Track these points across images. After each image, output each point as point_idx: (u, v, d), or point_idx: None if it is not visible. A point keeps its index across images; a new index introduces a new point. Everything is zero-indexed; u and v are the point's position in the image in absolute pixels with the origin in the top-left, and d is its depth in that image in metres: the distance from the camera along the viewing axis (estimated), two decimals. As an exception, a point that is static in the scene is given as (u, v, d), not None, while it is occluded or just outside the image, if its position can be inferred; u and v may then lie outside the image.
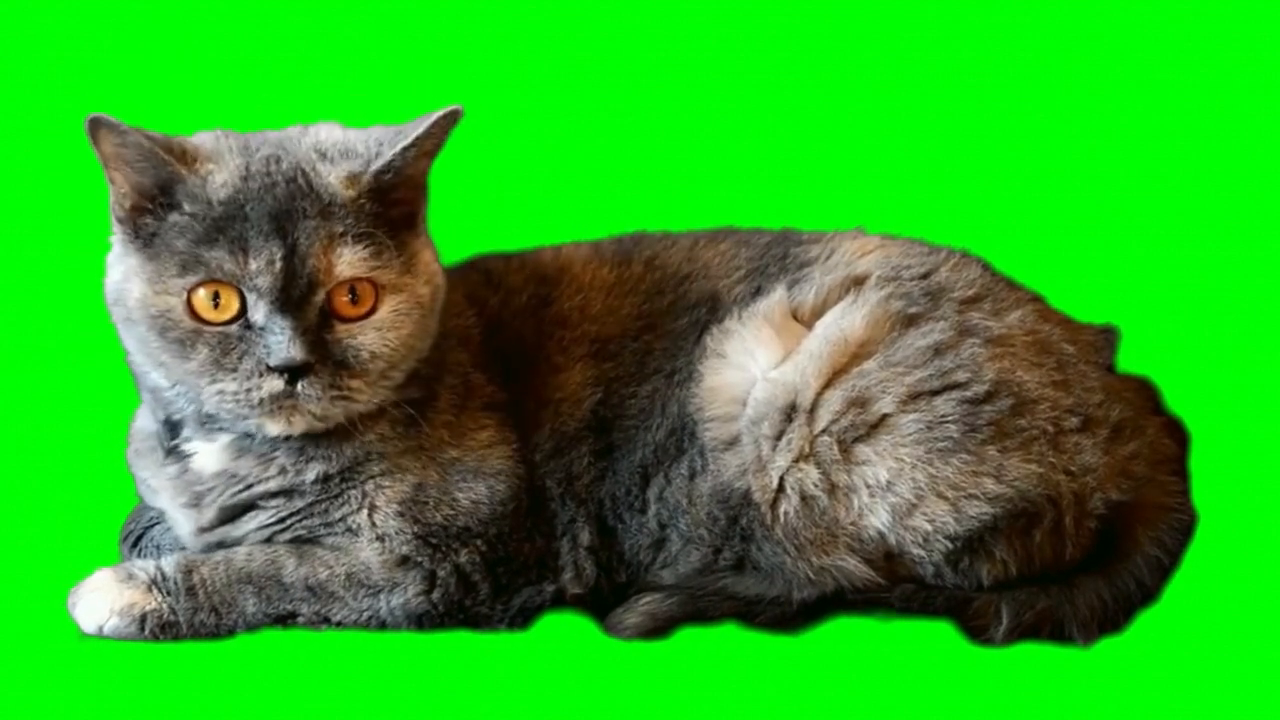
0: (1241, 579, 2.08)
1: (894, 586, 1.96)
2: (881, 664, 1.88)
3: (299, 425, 1.88)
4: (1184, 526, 2.02)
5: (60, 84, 2.70)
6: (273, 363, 1.83)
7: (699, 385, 2.01)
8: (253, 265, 1.83)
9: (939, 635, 1.93)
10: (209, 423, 1.94)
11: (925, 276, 2.03)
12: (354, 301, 1.87)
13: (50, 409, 2.54)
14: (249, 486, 1.95)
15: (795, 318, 2.02)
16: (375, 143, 1.91)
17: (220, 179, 1.86)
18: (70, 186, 2.65)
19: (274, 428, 1.89)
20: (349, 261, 1.86)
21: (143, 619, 1.91)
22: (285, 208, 1.85)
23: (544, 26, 2.78)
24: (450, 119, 1.89)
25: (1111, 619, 1.96)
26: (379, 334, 1.88)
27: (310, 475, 1.93)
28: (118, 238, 1.91)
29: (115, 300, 1.90)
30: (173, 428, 1.97)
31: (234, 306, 1.84)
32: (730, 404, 1.99)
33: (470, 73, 2.74)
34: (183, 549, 2.02)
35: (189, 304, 1.84)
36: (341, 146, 1.91)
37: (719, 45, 2.79)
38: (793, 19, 2.80)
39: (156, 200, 1.87)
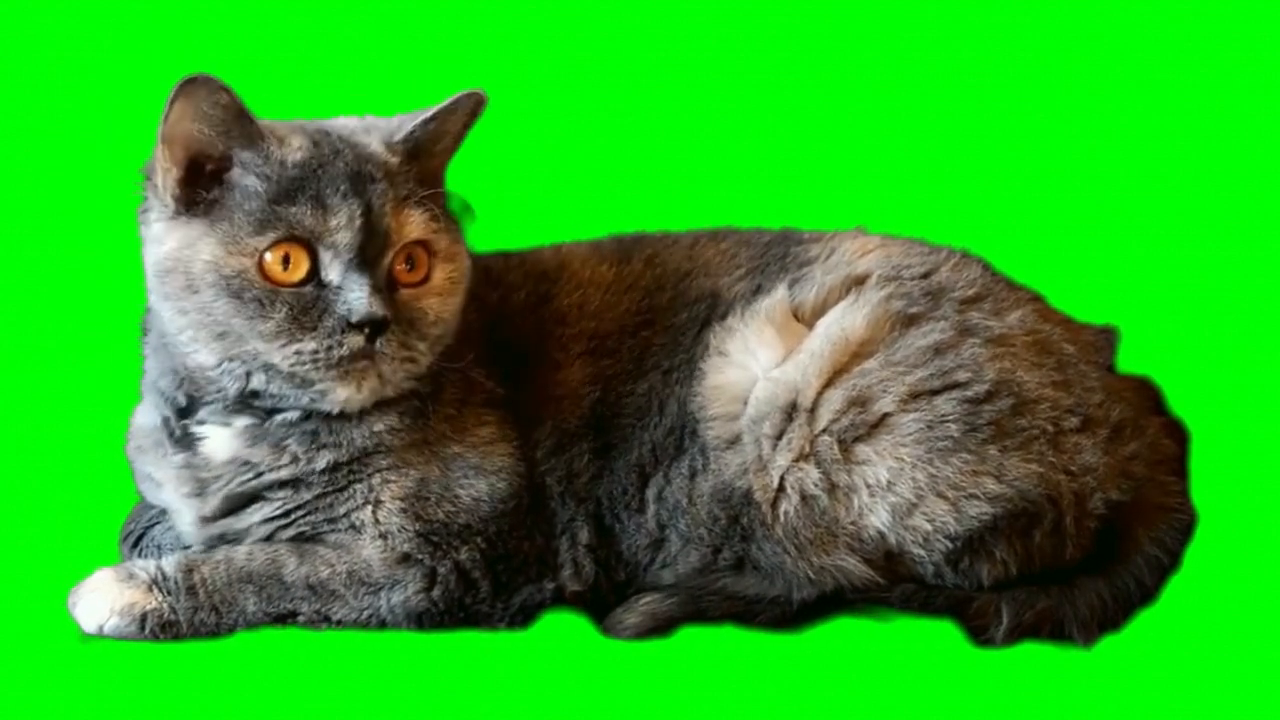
0: (1241, 579, 2.08)
1: (894, 586, 1.96)
2: (881, 664, 1.88)
3: (367, 388, 1.90)
4: (1184, 526, 2.02)
5: (59, 84, 2.70)
6: (355, 318, 1.85)
7: (700, 384, 2.01)
8: (333, 221, 1.86)
9: (939, 635, 1.93)
10: (244, 402, 1.93)
11: (926, 276, 2.03)
12: (411, 268, 1.91)
13: (50, 409, 2.54)
14: (259, 475, 1.94)
15: (796, 317, 2.02)
16: (398, 120, 1.97)
17: (295, 143, 1.89)
18: (70, 186, 2.66)
19: (344, 391, 1.89)
20: (416, 223, 1.91)
21: (143, 618, 1.91)
22: (357, 169, 1.89)
23: (544, 27, 2.79)
24: (470, 99, 1.94)
25: (1111, 619, 1.96)
26: (439, 299, 1.93)
27: (320, 464, 1.93)
28: (164, 211, 1.90)
29: (171, 269, 1.89)
30: (183, 414, 1.97)
31: (304, 267, 1.87)
32: (732, 403, 1.99)
33: (470, 72, 2.74)
34: (184, 548, 2.02)
35: (260, 266, 1.86)
36: (366, 125, 1.97)
37: (719, 45, 2.80)
38: (793, 19, 2.80)
39: (210, 169, 1.89)
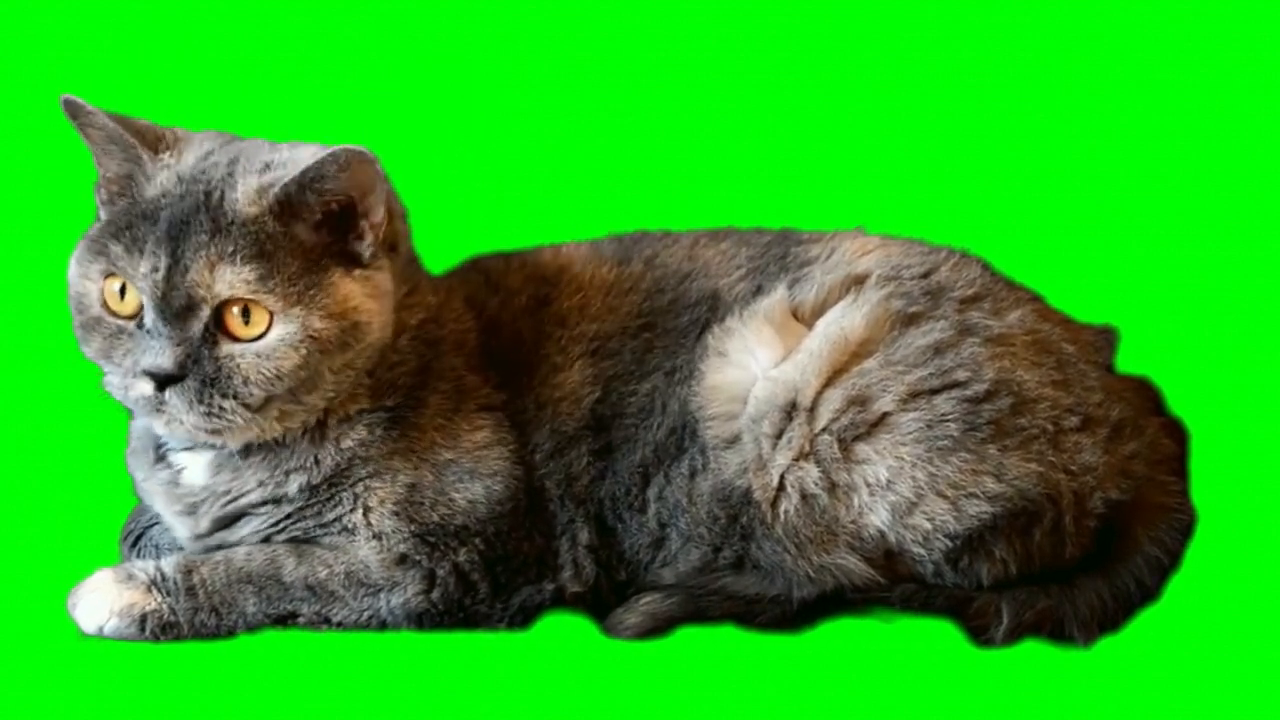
0: (1241, 579, 2.07)
1: (894, 586, 1.96)
2: (882, 664, 1.87)
3: (176, 431, 1.91)
4: (1183, 526, 2.02)
5: (59, 83, 2.70)
6: (140, 367, 1.85)
7: (700, 383, 2.01)
8: (141, 267, 1.85)
9: (939, 634, 1.93)
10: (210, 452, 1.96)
11: (925, 276, 2.03)
12: (246, 322, 1.86)
13: (51, 409, 2.53)
14: (235, 499, 1.95)
15: (796, 317, 2.02)
16: (289, 164, 1.88)
17: (161, 177, 1.89)
18: (70, 187, 2.65)
19: (157, 427, 1.92)
20: (229, 282, 1.84)
21: (143, 619, 1.91)
22: (184, 219, 1.85)
23: (544, 26, 2.78)
24: (338, 158, 1.83)
25: (1111, 618, 1.96)
26: (257, 360, 1.86)
27: (292, 487, 1.94)
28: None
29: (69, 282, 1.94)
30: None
31: (135, 304, 1.87)
32: (731, 402, 1.99)
33: (470, 73, 2.74)
34: (181, 549, 2.02)
35: (101, 292, 1.88)
36: (280, 161, 1.90)
37: (719, 45, 2.80)
38: (792, 19, 2.80)
39: (123, 189, 1.90)
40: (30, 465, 2.44)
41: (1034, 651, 1.91)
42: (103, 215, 1.92)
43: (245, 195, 1.86)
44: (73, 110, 1.88)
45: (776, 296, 2.03)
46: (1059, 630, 1.94)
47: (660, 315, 2.05)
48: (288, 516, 1.95)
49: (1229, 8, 2.71)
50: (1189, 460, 2.07)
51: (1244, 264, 2.64)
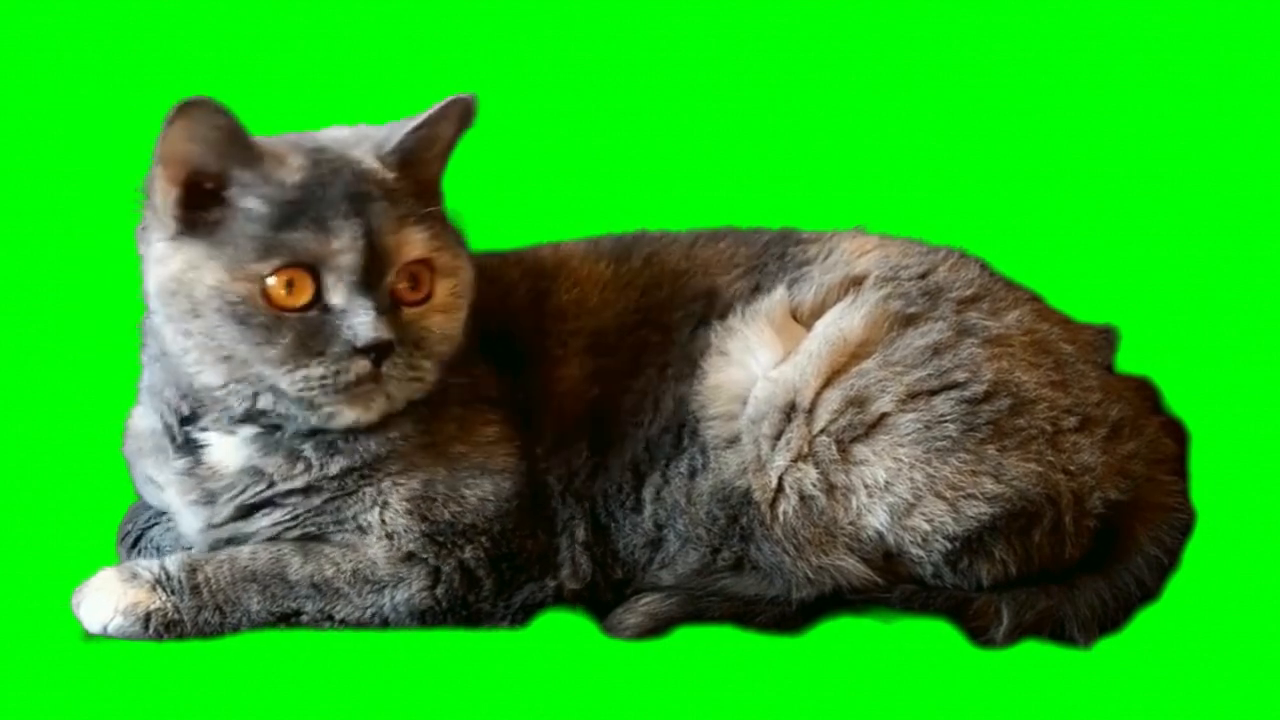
0: (1241, 579, 2.07)
1: (894, 586, 1.96)
2: (882, 664, 1.87)
3: (376, 409, 1.89)
4: (1183, 526, 2.02)
5: (60, 87, 2.71)
6: (360, 343, 1.84)
7: (702, 382, 2.01)
8: (335, 244, 1.84)
9: (939, 635, 1.93)
10: (251, 419, 1.93)
11: (923, 276, 2.03)
12: (413, 287, 1.90)
13: (53, 409, 2.54)
14: (271, 484, 1.94)
15: (795, 317, 2.02)
16: (387, 129, 1.94)
17: (294, 163, 1.87)
18: (70, 187, 2.67)
19: (351, 414, 1.89)
20: (417, 241, 1.89)
21: (147, 618, 1.91)
22: (357, 189, 1.86)
23: (544, 26, 2.78)
24: (457, 104, 1.92)
25: (1112, 618, 1.96)
26: (443, 316, 1.91)
27: (334, 469, 1.93)
28: (165, 231, 1.88)
29: (175, 291, 1.87)
30: (185, 421, 1.96)
31: (309, 291, 1.85)
32: (732, 402, 1.99)
33: (470, 74, 2.74)
34: (183, 549, 2.02)
35: (264, 291, 1.84)
36: (357, 135, 1.95)
37: (719, 46, 2.80)
38: (792, 19, 2.80)
39: (209, 189, 1.87)
40: (34, 464, 2.44)
41: (1034, 652, 1.91)
42: (200, 222, 1.86)
43: (374, 163, 1.90)
44: (200, 110, 1.82)
45: (777, 297, 2.03)
46: (1059, 631, 1.94)
47: (656, 311, 2.06)
48: (310, 510, 1.94)
49: (1229, 8, 2.71)
50: (1189, 460, 2.07)
51: (1244, 264, 2.64)
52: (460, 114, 1.93)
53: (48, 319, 2.63)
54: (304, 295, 1.85)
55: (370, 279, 1.85)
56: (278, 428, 1.93)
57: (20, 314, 2.63)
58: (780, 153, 2.75)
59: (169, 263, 1.87)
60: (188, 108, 1.82)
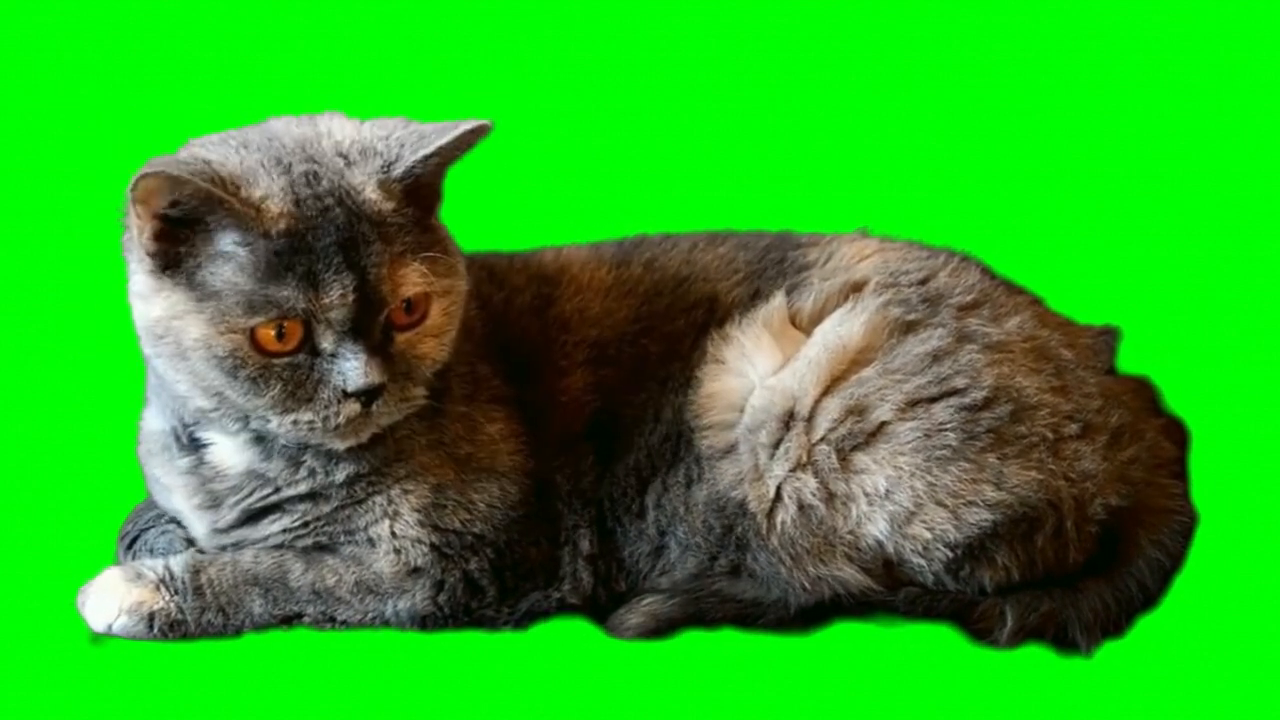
0: (1243, 579, 2.07)
1: (898, 590, 1.95)
2: (885, 666, 1.88)
3: (366, 435, 1.87)
4: (1185, 529, 2.01)
5: (60, 87, 2.71)
6: (350, 389, 1.81)
7: (696, 391, 2.00)
8: (325, 300, 1.78)
9: (943, 638, 1.93)
10: (248, 433, 1.91)
11: (924, 282, 2.02)
12: (409, 311, 1.85)
13: (56, 409, 2.54)
14: (276, 489, 1.93)
15: (794, 323, 2.01)
16: (396, 144, 1.86)
17: (274, 209, 1.79)
18: (70, 187, 2.67)
19: (343, 444, 1.87)
20: (413, 281, 1.83)
21: (151, 618, 1.91)
22: (349, 235, 1.79)
23: (545, 29, 2.78)
24: (479, 133, 1.85)
25: (1114, 622, 1.95)
26: (435, 340, 1.88)
27: (339, 476, 1.92)
28: (143, 268, 1.83)
29: (161, 336, 1.82)
30: (187, 424, 1.95)
31: (298, 335, 1.80)
32: (728, 410, 1.98)
33: (471, 74, 2.74)
34: (178, 551, 2.01)
35: (253, 338, 1.80)
36: (360, 146, 1.86)
37: (719, 47, 2.79)
38: (792, 20, 2.80)
39: (187, 228, 1.80)
40: (38, 464, 2.43)
41: (1038, 655, 1.91)
42: (178, 263, 1.80)
43: (374, 193, 1.82)
44: (162, 183, 1.75)
45: (775, 303, 2.02)
46: (1062, 634, 1.93)
47: (658, 319, 2.05)
48: (319, 518, 1.93)
49: (1229, 8, 2.71)
50: (1189, 461, 2.07)
51: (1244, 264, 2.64)
52: (475, 140, 1.86)
53: (58, 320, 2.64)
54: (294, 340, 1.80)
55: (361, 325, 1.80)
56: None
57: (31, 316, 2.64)
58: (780, 154, 2.75)
59: (152, 304, 1.83)
60: (145, 181, 1.75)
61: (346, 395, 1.81)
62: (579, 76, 2.77)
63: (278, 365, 1.81)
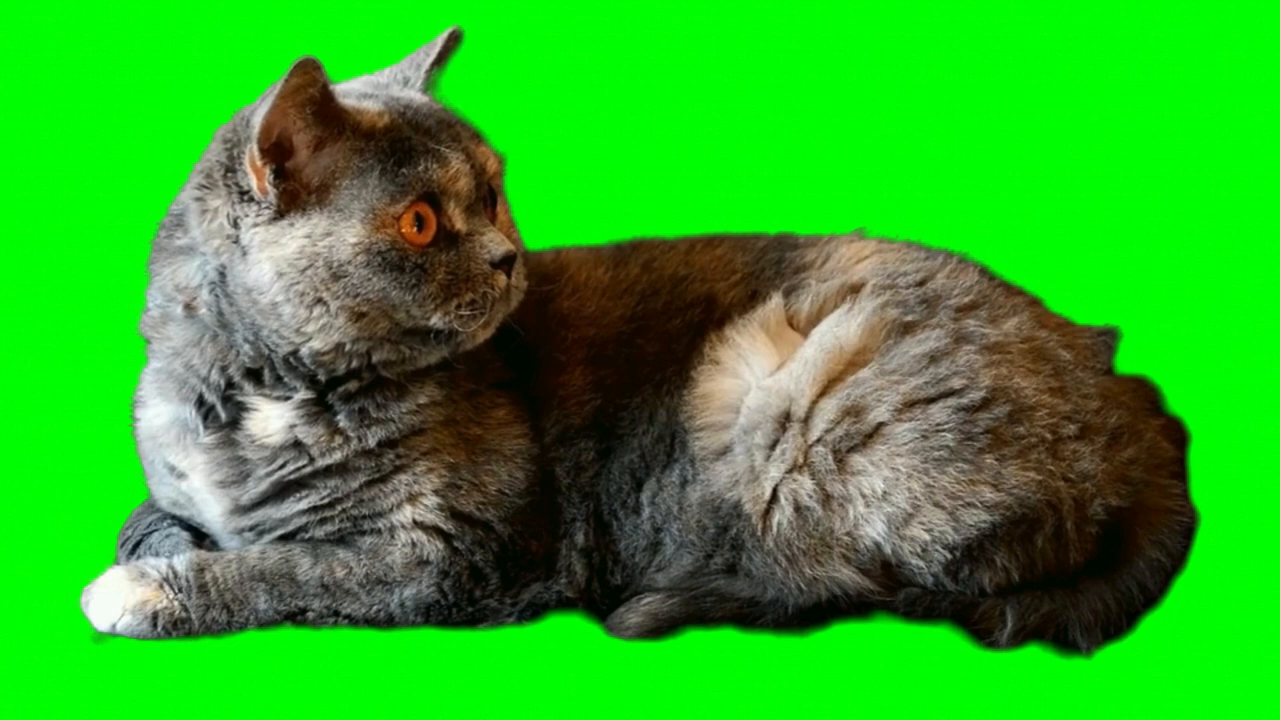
0: (1243, 579, 2.07)
1: (897, 590, 1.95)
2: (885, 666, 1.88)
3: (496, 323, 1.92)
4: (1185, 529, 2.01)
5: (60, 87, 2.72)
6: (496, 259, 1.88)
7: (691, 391, 2.01)
8: (452, 169, 1.88)
9: (943, 639, 1.93)
10: (315, 382, 1.92)
11: (921, 283, 2.02)
12: (490, 204, 1.95)
13: (62, 408, 2.56)
14: (310, 460, 1.93)
15: (791, 325, 2.02)
16: (409, 66, 2.02)
17: (372, 109, 1.89)
18: (70, 188, 2.67)
19: (485, 333, 1.91)
20: (492, 159, 1.95)
21: (155, 616, 1.92)
22: (441, 118, 1.93)
23: (545, 30, 2.78)
24: (454, 37, 2.03)
25: (1115, 622, 1.95)
26: (514, 229, 1.98)
27: (371, 441, 1.93)
28: (262, 221, 1.85)
29: (307, 266, 1.84)
30: (227, 390, 1.94)
31: (433, 223, 1.88)
32: (723, 411, 1.98)
33: (470, 75, 2.74)
34: (183, 553, 2.00)
35: (402, 236, 1.86)
36: (391, 76, 2.03)
37: (719, 49, 2.79)
38: (792, 21, 2.80)
39: (290, 165, 1.85)
40: (41, 464, 2.45)
41: (1038, 656, 1.91)
42: (303, 192, 1.84)
43: (429, 98, 1.97)
44: (310, 72, 1.81)
45: (772, 305, 2.02)
46: (1063, 634, 1.93)
47: (654, 319, 2.05)
48: (345, 496, 1.93)
49: (1229, 8, 2.71)
50: (1189, 461, 2.07)
51: (1244, 264, 2.63)
52: (453, 46, 2.02)
53: (59, 324, 2.65)
54: (431, 229, 1.87)
55: (481, 196, 1.91)
56: (328, 388, 1.92)
57: (31, 319, 2.65)
58: (780, 154, 2.75)
59: (285, 242, 1.85)
60: (300, 70, 1.80)
61: (493, 267, 1.88)
62: (579, 76, 2.77)
63: (432, 255, 1.86)
